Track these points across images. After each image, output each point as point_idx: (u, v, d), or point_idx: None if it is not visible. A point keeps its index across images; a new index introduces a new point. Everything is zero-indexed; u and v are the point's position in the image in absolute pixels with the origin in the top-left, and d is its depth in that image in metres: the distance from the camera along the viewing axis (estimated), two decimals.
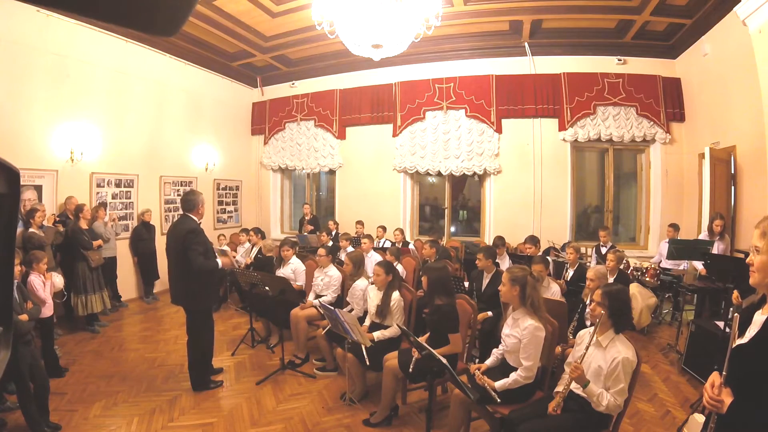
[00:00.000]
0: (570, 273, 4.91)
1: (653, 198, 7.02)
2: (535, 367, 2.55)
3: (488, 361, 2.84)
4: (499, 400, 2.47)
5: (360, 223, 7.51)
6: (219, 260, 3.60)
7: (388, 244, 6.60)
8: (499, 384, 2.56)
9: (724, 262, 4.46)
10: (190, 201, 3.52)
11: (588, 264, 5.54)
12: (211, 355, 3.86)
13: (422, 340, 2.88)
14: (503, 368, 2.70)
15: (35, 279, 3.67)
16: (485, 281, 4.28)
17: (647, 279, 5.21)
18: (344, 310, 3.87)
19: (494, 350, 2.88)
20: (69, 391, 3.61)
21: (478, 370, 2.70)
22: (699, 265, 5.09)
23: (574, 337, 3.33)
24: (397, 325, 3.28)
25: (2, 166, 0.62)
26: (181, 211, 3.66)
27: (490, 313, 4.00)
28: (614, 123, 6.94)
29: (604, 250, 5.89)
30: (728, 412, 1.33)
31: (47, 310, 3.69)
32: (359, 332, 3.08)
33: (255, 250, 6.35)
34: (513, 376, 2.56)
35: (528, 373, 2.54)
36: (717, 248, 4.97)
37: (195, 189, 3.94)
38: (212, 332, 3.81)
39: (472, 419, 2.90)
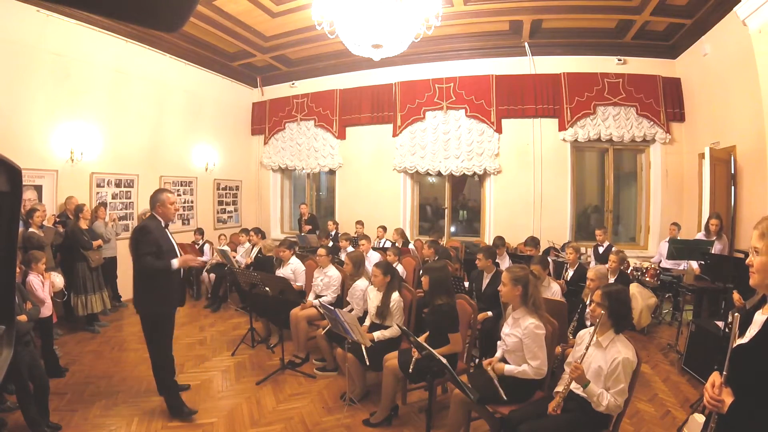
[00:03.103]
0: (570, 273, 4.91)
1: (653, 198, 7.02)
2: (545, 366, 2.55)
3: (498, 354, 2.84)
4: (505, 398, 2.47)
5: (360, 223, 7.51)
6: (175, 260, 3.22)
7: (388, 245, 6.60)
8: (507, 368, 2.59)
9: (723, 262, 4.47)
10: (150, 199, 3.32)
11: (587, 264, 5.54)
12: (168, 369, 3.35)
13: (422, 339, 2.88)
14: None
15: (34, 279, 3.67)
16: (485, 281, 4.28)
17: (647, 279, 5.21)
18: (344, 310, 3.87)
19: (499, 342, 2.87)
20: (69, 391, 3.60)
21: (490, 365, 2.70)
22: (695, 265, 5.09)
23: (574, 337, 3.33)
24: (397, 325, 3.28)
25: (4, 163, 0.61)
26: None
27: (490, 313, 4.00)
28: (614, 123, 6.94)
29: (601, 250, 5.90)
30: (729, 412, 1.33)
31: (46, 310, 3.69)
32: (359, 332, 3.08)
33: (255, 250, 6.35)
34: (524, 366, 2.56)
35: (539, 370, 2.53)
36: (715, 248, 4.98)
37: (163, 188, 3.67)
38: (167, 343, 3.33)
39: (472, 419, 2.89)
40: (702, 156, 5.68)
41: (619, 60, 6.95)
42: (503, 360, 2.75)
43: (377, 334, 3.45)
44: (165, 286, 3.25)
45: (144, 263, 3.12)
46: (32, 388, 2.94)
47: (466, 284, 4.54)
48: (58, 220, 5.38)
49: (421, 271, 4.02)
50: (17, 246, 0.58)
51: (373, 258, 5.44)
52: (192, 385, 3.78)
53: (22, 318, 3.07)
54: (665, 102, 6.77)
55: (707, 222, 5.15)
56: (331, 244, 6.68)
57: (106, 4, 0.50)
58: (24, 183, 5.58)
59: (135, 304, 3.32)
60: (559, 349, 2.93)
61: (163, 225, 3.29)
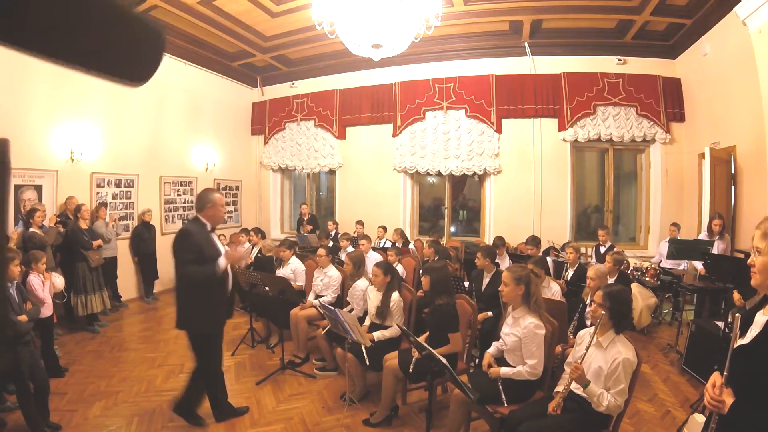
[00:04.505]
0: (570, 273, 4.91)
1: (653, 198, 7.02)
2: (541, 366, 2.56)
3: (490, 350, 2.84)
4: (506, 404, 2.48)
5: (360, 223, 7.51)
6: (221, 259, 2.93)
7: (388, 245, 6.60)
8: (503, 371, 2.60)
9: (724, 262, 4.46)
10: (198, 199, 3.06)
11: (588, 264, 5.54)
12: (218, 389, 3.18)
13: (422, 339, 2.88)
14: (502, 363, 2.72)
15: (34, 279, 3.67)
16: (485, 281, 4.28)
17: (647, 279, 5.22)
18: (344, 310, 3.87)
19: (494, 342, 2.88)
20: (69, 391, 3.61)
21: (489, 366, 2.72)
22: (699, 265, 5.09)
23: (575, 336, 3.33)
24: (397, 325, 3.28)
25: None
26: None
27: (490, 313, 4.00)
28: (614, 123, 6.94)
29: (603, 250, 5.89)
30: (729, 413, 1.33)
31: (46, 311, 3.68)
32: (359, 332, 3.08)
33: (255, 250, 6.35)
34: (519, 367, 2.57)
35: (533, 371, 2.54)
36: (717, 248, 4.97)
37: (212, 188, 3.18)
38: (217, 362, 3.12)
39: (472, 419, 2.90)
40: (702, 156, 5.68)
41: (619, 60, 6.95)
42: (501, 357, 2.76)
43: (377, 334, 3.45)
44: (212, 298, 2.92)
45: (188, 273, 2.81)
46: (32, 388, 2.94)
47: (466, 284, 4.54)
48: (58, 220, 5.38)
49: (421, 271, 4.02)
50: (6, 223, 0.58)
51: (373, 258, 5.43)
52: None
53: (22, 318, 3.07)
54: (665, 102, 6.77)
55: (710, 223, 5.14)
56: (331, 244, 6.68)
57: (75, 57, 0.52)
58: (24, 183, 5.54)
59: (180, 324, 2.96)
60: (559, 348, 2.94)
61: (208, 228, 3.01)
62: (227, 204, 8.89)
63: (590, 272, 3.61)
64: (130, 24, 0.55)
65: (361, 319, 3.88)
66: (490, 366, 2.73)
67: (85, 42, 0.51)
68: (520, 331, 2.59)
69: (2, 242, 0.55)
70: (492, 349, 2.84)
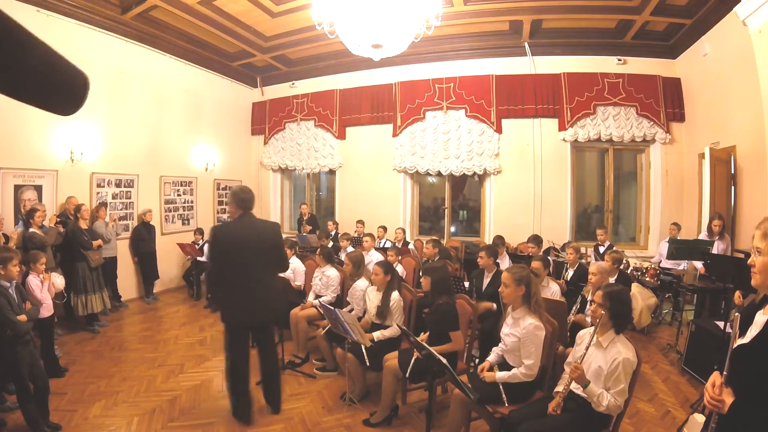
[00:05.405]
0: (570, 273, 4.91)
1: (653, 198, 7.02)
2: (536, 367, 2.55)
3: (490, 358, 2.84)
4: (506, 404, 2.48)
5: (360, 222, 7.51)
6: None
7: (388, 244, 6.60)
8: (498, 375, 2.60)
9: (724, 262, 4.46)
10: (250, 198, 3.15)
11: (588, 263, 5.54)
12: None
13: (422, 339, 2.88)
14: (503, 368, 2.71)
15: (33, 279, 3.67)
16: (486, 280, 4.27)
17: (647, 279, 5.22)
18: (344, 310, 3.86)
19: (494, 348, 2.87)
20: (69, 391, 3.60)
21: (483, 370, 2.72)
22: (699, 265, 5.09)
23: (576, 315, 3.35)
24: (397, 325, 3.28)
25: None
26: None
27: (493, 305, 3.97)
28: (614, 123, 6.94)
29: (602, 249, 5.90)
30: (729, 413, 1.33)
31: (46, 311, 3.68)
32: (359, 332, 3.08)
33: None
34: (514, 370, 2.57)
35: (529, 371, 2.54)
36: (717, 248, 4.98)
37: (244, 185, 3.67)
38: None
39: (472, 419, 2.90)
40: (702, 156, 5.68)
41: (619, 60, 6.95)
42: (499, 365, 2.76)
43: (377, 334, 3.45)
44: None
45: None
46: (32, 388, 2.94)
47: (466, 284, 4.54)
48: (58, 220, 5.38)
49: (421, 272, 4.01)
50: None
51: (375, 257, 5.43)
52: (192, 385, 3.79)
53: (22, 318, 3.07)
54: (665, 102, 6.77)
55: (710, 223, 5.14)
56: (331, 244, 6.68)
57: (11, 89, 0.63)
58: (24, 183, 5.55)
59: (251, 319, 3.14)
60: (560, 348, 2.94)
61: None
62: (227, 204, 8.90)
63: (592, 268, 3.62)
64: (59, 70, 0.67)
65: (361, 319, 3.87)
66: (485, 370, 2.72)
67: (21, 82, 0.64)
68: (520, 332, 2.58)
69: None
70: (492, 357, 2.84)
